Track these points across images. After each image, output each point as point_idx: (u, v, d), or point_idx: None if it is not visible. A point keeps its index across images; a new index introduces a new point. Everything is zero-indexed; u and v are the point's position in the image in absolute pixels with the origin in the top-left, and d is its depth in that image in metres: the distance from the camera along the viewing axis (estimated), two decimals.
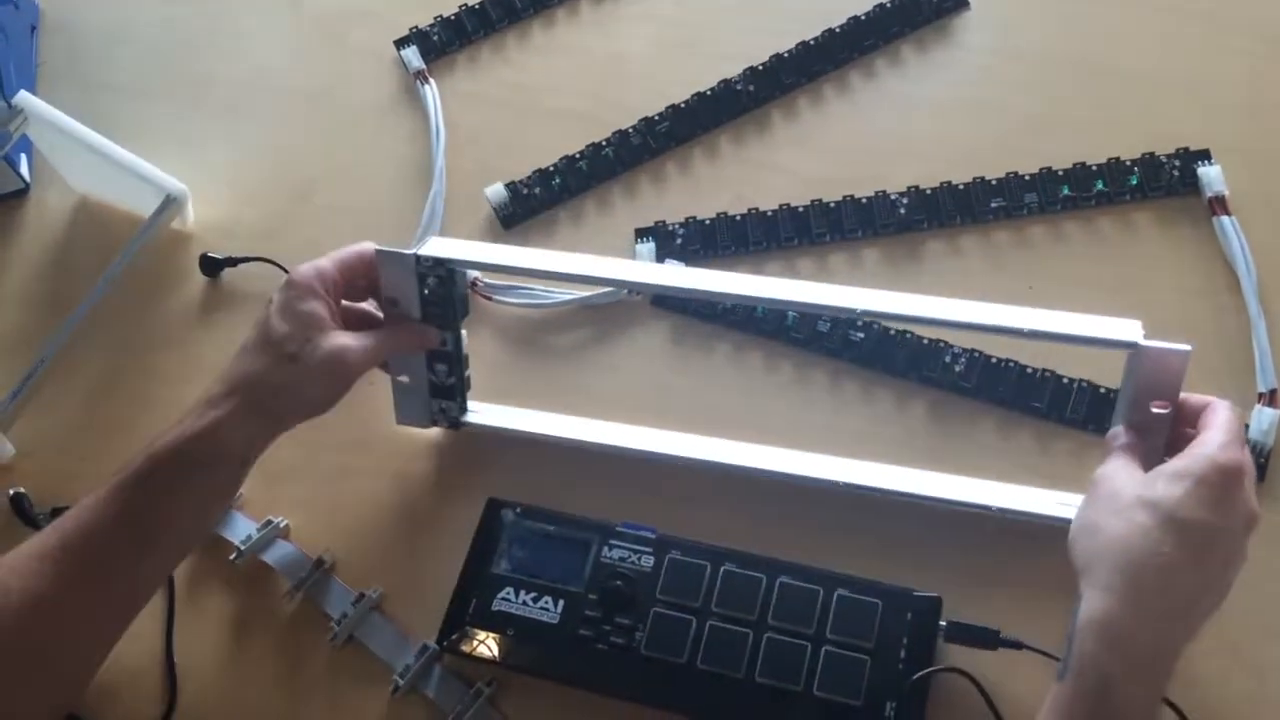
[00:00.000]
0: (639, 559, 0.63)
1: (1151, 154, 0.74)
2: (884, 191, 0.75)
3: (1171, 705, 0.57)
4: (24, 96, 0.78)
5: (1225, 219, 0.71)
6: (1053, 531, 0.59)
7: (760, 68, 0.82)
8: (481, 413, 0.71)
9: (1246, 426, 0.64)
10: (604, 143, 0.81)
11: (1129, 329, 0.56)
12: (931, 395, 0.69)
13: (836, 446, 0.68)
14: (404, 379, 0.69)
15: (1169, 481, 0.49)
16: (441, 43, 0.88)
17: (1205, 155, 0.74)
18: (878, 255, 0.75)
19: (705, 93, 0.81)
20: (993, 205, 0.74)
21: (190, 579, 0.69)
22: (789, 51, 0.82)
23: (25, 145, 0.86)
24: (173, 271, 0.81)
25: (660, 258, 0.76)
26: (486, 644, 0.62)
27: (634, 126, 0.81)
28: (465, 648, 0.63)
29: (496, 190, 0.80)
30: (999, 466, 0.66)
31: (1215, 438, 0.50)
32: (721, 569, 0.62)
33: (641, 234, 0.77)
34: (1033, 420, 0.68)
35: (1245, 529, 0.49)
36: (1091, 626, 0.48)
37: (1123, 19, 0.81)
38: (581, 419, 0.70)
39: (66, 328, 0.75)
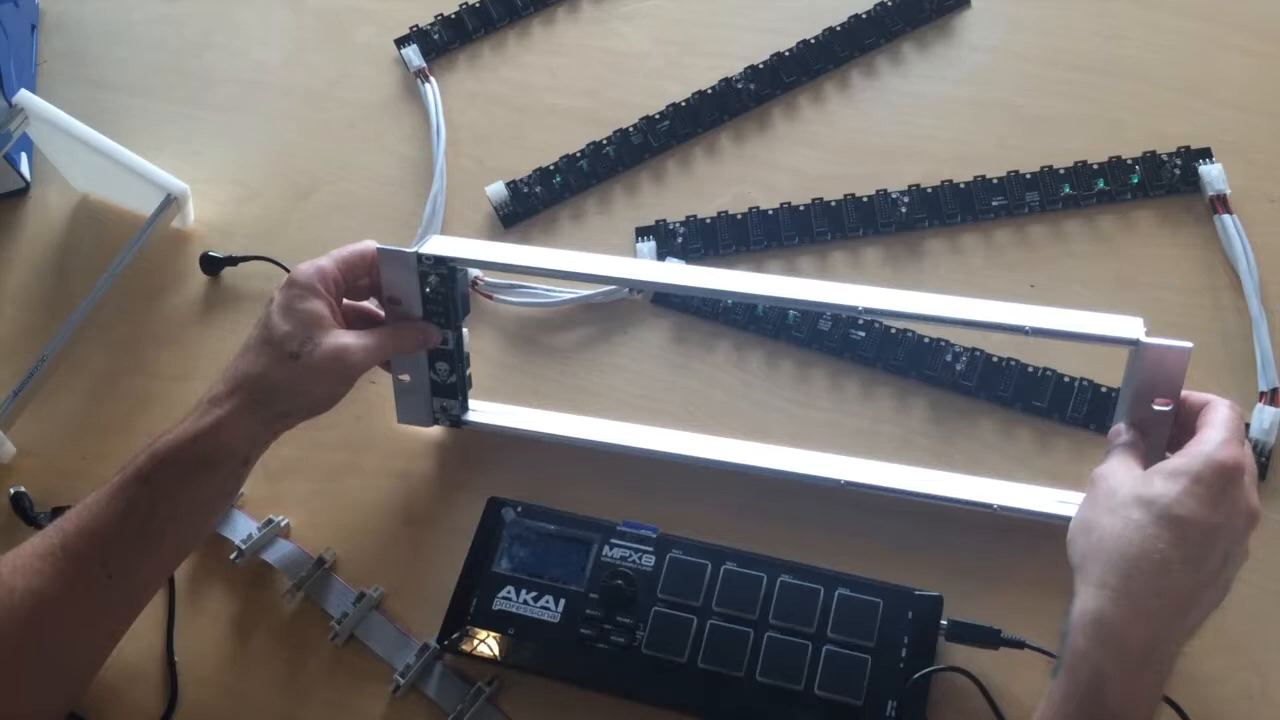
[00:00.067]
0: (640, 558, 0.63)
1: (1153, 153, 0.74)
2: (885, 190, 0.75)
3: (1172, 704, 0.57)
4: (24, 95, 0.78)
5: (1226, 218, 0.71)
6: (1054, 530, 0.59)
7: (761, 66, 0.82)
8: (482, 411, 0.71)
9: (1247, 425, 0.64)
10: (605, 141, 0.81)
11: (1131, 326, 0.56)
12: (932, 394, 0.69)
13: (837, 445, 0.68)
14: (405, 378, 0.69)
15: (1166, 479, 0.49)
16: (442, 41, 0.88)
17: (1206, 154, 0.74)
18: (879, 254, 0.75)
19: (706, 91, 0.81)
20: (994, 204, 0.74)
21: (191, 578, 0.69)
22: (790, 50, 0.82)
23: (26, 144, 0.86)
24: (173, 270, 0.81)
25: (661, 256, 0.76)
26: (487, 643, 0.62)
27: (635, 125, 0.81)
28: (466, 647, 0.63)
29: (497, 189, 0.80)
30: (1000, 465, 0.66)
31: (1214, 435, 0.50)
32: (722, 568, 0.62)
33: (642, 233, 0.77)
34: (1034, 419, 0.68)
35: (1245, 527, 0.49)
36: (1084, 623, 0.47)
37: (1124, 17, 0.81)
38: (582, 418, 0.70)
39: (67, 327, 0.75)
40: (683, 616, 0.61)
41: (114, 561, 0.56)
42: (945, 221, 0.75)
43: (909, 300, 0.60)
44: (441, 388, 0.69)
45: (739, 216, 0.76)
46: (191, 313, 0.79)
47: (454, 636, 0.63)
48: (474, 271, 0.74)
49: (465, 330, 0.68)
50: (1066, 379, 0.68)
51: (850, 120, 0.80)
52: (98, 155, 0.78)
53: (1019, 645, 0.58)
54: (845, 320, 0.71)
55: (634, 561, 0.63)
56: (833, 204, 0.76)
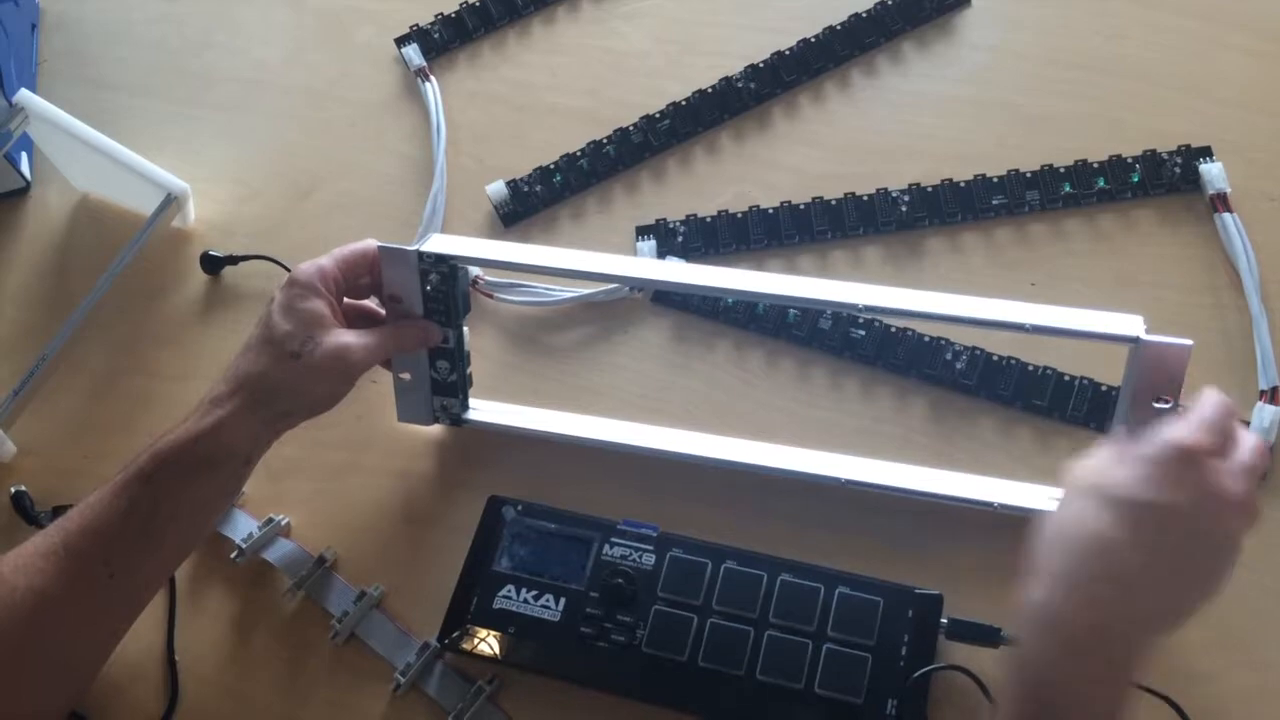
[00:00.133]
0: (640, 556, 0.63)
1: (1153, 151, 0.74)
2: (885, 189, 0.75)
3: (1173, 704, 0.57)
4: (24, 95, 0.78)
5: (1227, 216, 0.71)
6: None
7: (761, 65, 0.82)
8: (483, 410, 0.71)
9: (1246, 424, 0.64)
10: (605, 140, 0.81)
11: (1131, 324, 0.56)
12: (933, 393, 0.69)
13: (838, 444, 0.68)
14: (405, 376, 0.69)
15: (1122, 464, 0.48)
16: (442, 40, 0.88)
17: (1207, 152, 0.74)
18: (879, 253, 0.75)
19: (706, 90, 0.81)
20: (994, 203, 0.74)
21: (192, 577, 0.69)
22: (790, 49, 0.82)
23: (26, 143, 0.86)
24: (174, 270, 0.81)
25: (661, 255, 0.76)
26: (488, 642, 0.62)
27: (635, 124, 0.81)
28: (466, 645, 0.63)
29: (497, 188, 0.80)
30: (1000, 464, 0.66)
31: (1186, 420, 0.48)
32: (722, 567, 0.62)
33: (643, 232, 0.77)
34: (1034, 418, 0.68)
35: (1222, 513, 0.47)
36: (1028, 611, 0.47)
37: (1124, 15, 0.81)
38: (583, 416, 0.70)
39: (67, 326, 0.75)
40: (683, 615, 0.61)
41: (116, 560, 0.57)
42: (945, 220, 0.75)
43: (909, 298, 0.60)
44: (442, 386, 0.69)
45: (739, 215, 0.76)
46: (192, 312, 0.79)
47: (454, 635, 0.63)
48: (474, 270, 0.75)
49: (466, 329, 0.68)
50: (1067, 378, 0.68)
51: (850, 119, 0.80)
52: (98, 155, 0.78)
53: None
54: (845, 319, 0.71)
55: (634, 560, 0.63)
56: (833, 203, 0.76)
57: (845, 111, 0.81)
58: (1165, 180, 0.73)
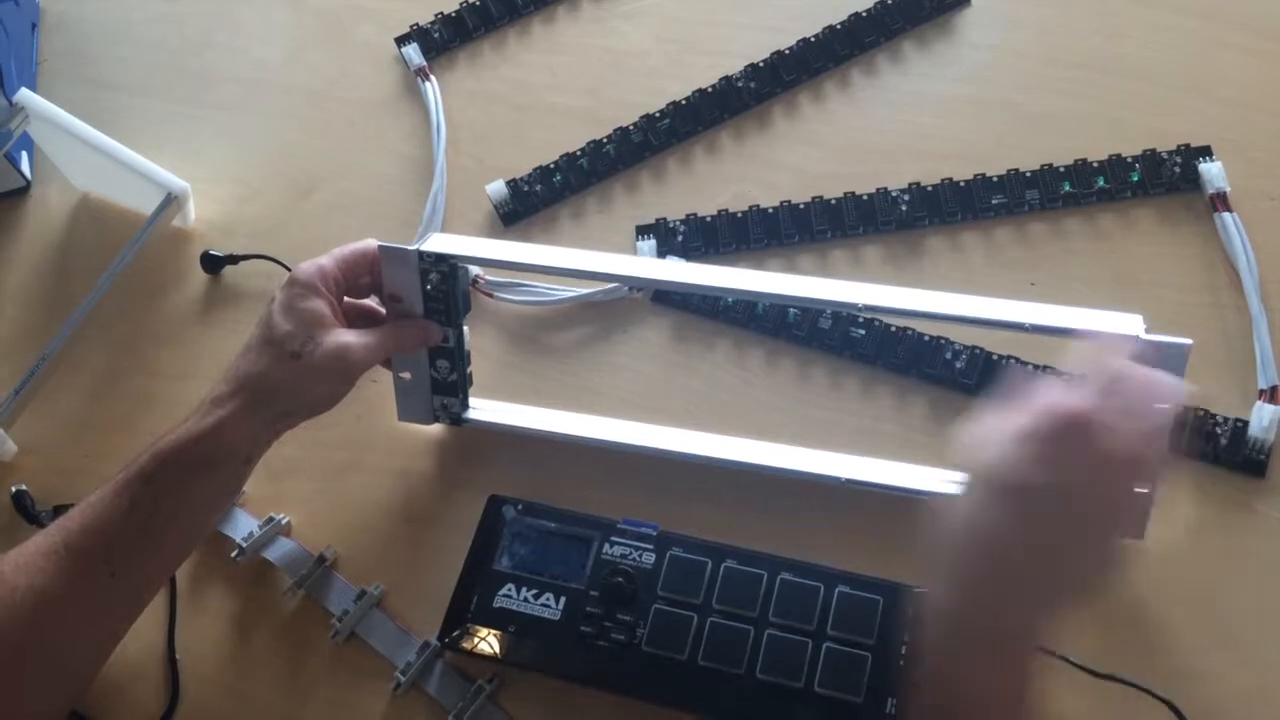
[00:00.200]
0: (640, 555, 0.63)
1: (1153, 151, 0.74)
2: (885, 188, 0.75)
3: (1171, 705, 0.57)
4: (25, 94, 0.78)
5: (1226, 215, 0.71)
6: None
7: (761, 64, 0.82)
8: (483, 409, 0.71)
9: (1246, 423, 0.64)
10: (605, 140, 0.81)
11: (1130, 323, 0.56)
12: (933, 392, 0.69)
13: (838, 443, 0.68)
14: (406, 376, 0.69)
15: (1012, 444, 0.45)
16: (443, 40, 0.88)
17: (1207, 152, 0.74)
18: (879, 252, 0.75)
19: (706, 90, 0.81)
20: (994, 202, 0.74)
21: (192, 576, 0.69)
22: (790, 48, 0.82)
23: (26, 143, 0.86)
24: (174, 269, 0.81)
25: (661, 255, 0.76)
26: (488, 641, 0.63)
27: (635, 123, 0.81)
28: (466, 644, 0.63)
29: (497, 187, 0.80)
30: None
31: (1069, 383, 0.45)
32: (722, 565, 0.62)
33: (643, 231, 0.77)
34: None
35: (1113, 480, 0.45)
36: (929, 606, 0.47)
37: (1124, 15, 0.81)
38: (583, 416, 0.70)
39: (68, 325, 0.75)
40: (683, 614, 0.61)
41: (117, 560, 0.57)
42: (945, 220, 0.75)
43: (909, 298, 0.60)
44: (442, 386, 0.69)
45: (739, 215, 0.76)
46: (192, 312, 0.79)
47: (455, 634, 0.63)
48: (474, 270, 0.75)
49: (466, 328, 0.68)
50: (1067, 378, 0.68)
51: (850, 119, 0.80)
52: (98, 154, 0.78)
53: None
54: (845, 318, 0.71)
55: (634, 559, 0.63)
56: (833, 202, 0.76)
57: (845, 111, 0.81)
58: (1165, 179, 0.73)
